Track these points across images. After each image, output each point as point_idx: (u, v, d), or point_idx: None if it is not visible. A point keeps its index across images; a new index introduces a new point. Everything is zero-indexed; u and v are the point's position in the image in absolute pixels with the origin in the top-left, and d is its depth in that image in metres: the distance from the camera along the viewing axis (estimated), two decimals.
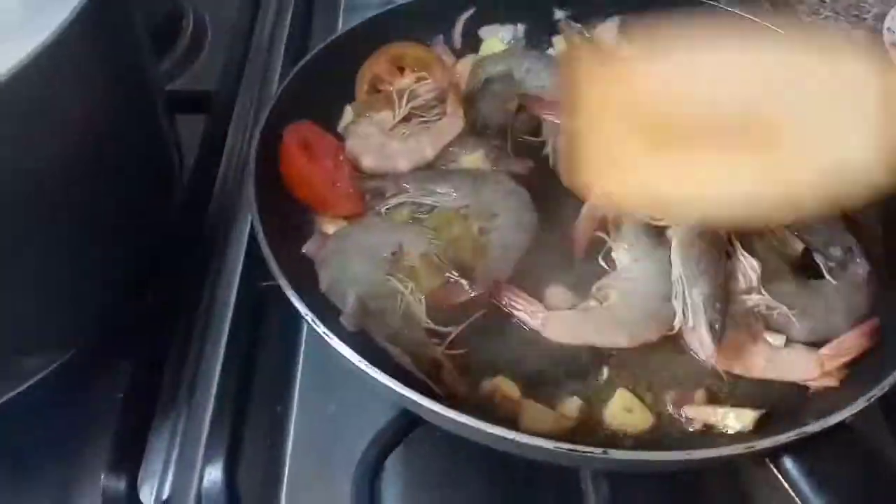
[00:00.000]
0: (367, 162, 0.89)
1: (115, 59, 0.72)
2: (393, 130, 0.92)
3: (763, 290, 0.74)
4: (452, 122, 0.91)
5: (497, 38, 1.06)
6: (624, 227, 0.77)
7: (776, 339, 0.73)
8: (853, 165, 0.52)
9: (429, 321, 0.71)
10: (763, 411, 0.68)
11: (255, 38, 1.19)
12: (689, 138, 0.56)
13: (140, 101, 0.79)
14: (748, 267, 0.74)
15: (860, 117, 0.53)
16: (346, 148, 0.89)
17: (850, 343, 0.72)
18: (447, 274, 0.75)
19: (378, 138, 0.90)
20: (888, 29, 1.18)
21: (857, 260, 0.77)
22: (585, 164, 0.62)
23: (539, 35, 1.07)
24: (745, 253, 0.75)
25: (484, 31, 1.07)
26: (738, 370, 0.71)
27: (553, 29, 1.07)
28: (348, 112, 0.95)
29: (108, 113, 0.70)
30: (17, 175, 0.58)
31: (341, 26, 1.29)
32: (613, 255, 0.79)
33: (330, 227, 0.84)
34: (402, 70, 0.99)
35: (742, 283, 0.74)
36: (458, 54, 1.05)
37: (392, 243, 0.77)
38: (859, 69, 0.54)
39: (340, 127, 0.94)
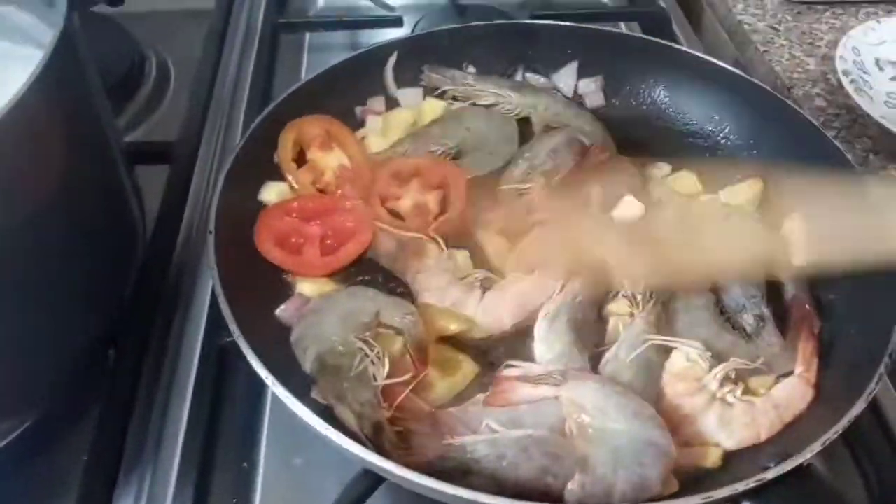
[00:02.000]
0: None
1: (74, 119, 0.72)
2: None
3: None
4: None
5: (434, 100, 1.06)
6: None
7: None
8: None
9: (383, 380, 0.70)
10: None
11: (217, 83, 1.19)
12: None
13: (99, 157, 0.79)
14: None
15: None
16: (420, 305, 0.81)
17: (807, 350, 0.76)
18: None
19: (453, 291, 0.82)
20: (840, 57, 1.20)
21: (769, 328, 0.80)
22: None
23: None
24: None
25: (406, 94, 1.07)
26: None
27: None
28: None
29: (65, 172, 0.69)
30: None
31: (305, 68, 1.30)
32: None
33: (306, 287, 0.84)
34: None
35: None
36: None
37: (371, 311, 0.76)
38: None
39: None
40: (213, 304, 0.88)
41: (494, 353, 0.79)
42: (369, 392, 0.68)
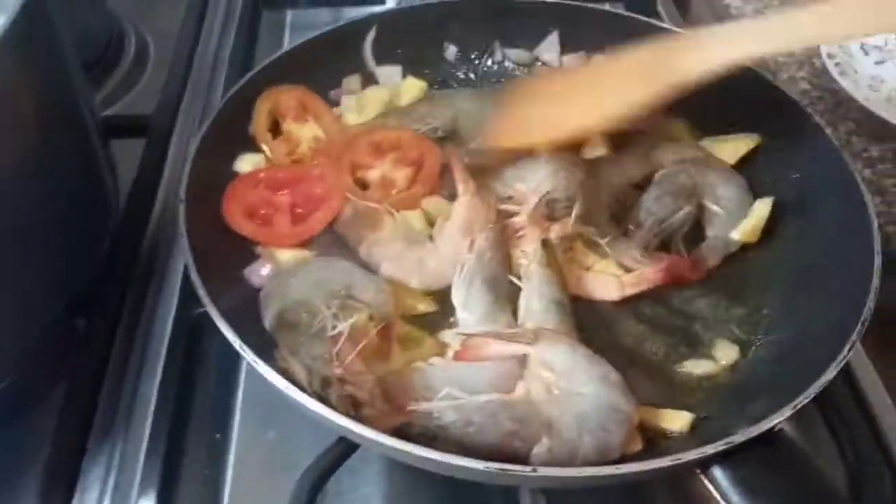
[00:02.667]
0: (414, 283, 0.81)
1: (44, 89, 0.71)
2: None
3: None
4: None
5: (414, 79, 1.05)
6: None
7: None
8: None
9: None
10: (701, 415, 0.70)
11: (196, 59, 1.18)
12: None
13: (72, 129, 0.78)
14: None
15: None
16: (383, 273, 0.81)
17: (649, 276, 0.82)
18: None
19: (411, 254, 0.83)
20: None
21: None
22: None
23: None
24: None
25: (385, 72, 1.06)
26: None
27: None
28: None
29: (35, 141, 0.69)
30: None
31: (287, 45, 1.29)
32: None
33: (283, 254, 0.83)
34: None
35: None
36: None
37: (343, 283, 0.76)
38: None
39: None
40: (187, 276, 0.87)
41: None
42: (322, 348, 0.67)
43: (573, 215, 0.82)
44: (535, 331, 0.68)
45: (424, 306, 0.79)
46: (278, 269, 0.80)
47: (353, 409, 0.63)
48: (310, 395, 0.62)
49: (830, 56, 1.19)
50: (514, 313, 0.76)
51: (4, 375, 0.74)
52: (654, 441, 0.69)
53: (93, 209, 0.83)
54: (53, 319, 0.77)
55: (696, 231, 0.89)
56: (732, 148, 0.95)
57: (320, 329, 0.69)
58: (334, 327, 0.69)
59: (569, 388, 0.64)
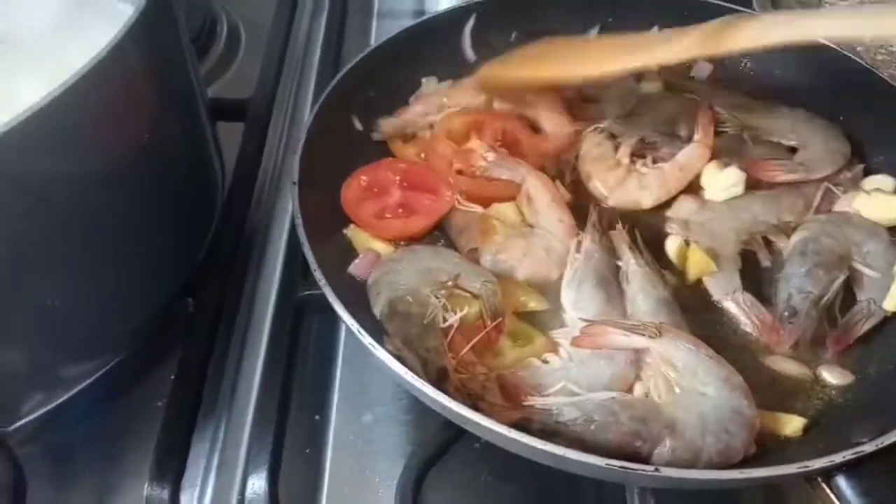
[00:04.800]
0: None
1: (165, 71, 0.72)
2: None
3: None
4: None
5: None
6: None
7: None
8: None
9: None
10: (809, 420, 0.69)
11: (290, 43, 1.20)
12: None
13: (186, 110, 0.80)
14: None
15: None
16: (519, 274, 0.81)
17: (704, 120, 0.92)
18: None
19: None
20: None
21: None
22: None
23: None
24: None
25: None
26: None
27: None
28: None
29: (155, 122, 0.70)
30: (73, 185, 0.59)
31: (374, 33, 1.30)
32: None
33: (378, 246, 0.84)
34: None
35: None
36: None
37: (450, 272, 0.76)
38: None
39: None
40: (287, 258, 0.88)
41: None
42: (436, 339, 0.68)
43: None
44: (659, 326, 0.67)
45: (535, 304, 0.78)
46: (384, 258, 0.80)
47: (468, 400, 0.63)
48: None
49: None
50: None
51: (119, 352, 0.76)
52: (764, 444, 0.67)
53: (203, 191, 0.84)
54: (165, 298, 0.79)
55: None
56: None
57: (433, 320, 0.70)
58: (445, 319, 0.70)
59: (691, 388, 0.63)
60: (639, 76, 1.04)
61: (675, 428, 0.61)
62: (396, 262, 0.78)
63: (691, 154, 0.91)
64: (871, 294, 0.78)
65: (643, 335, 0.66)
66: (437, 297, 0.72)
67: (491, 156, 0.87)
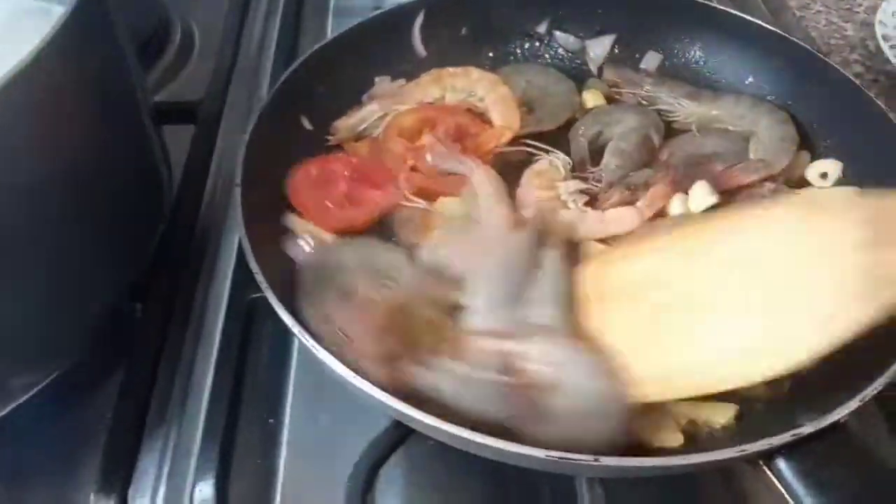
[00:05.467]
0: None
1: (102, 76, 0.71)
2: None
3: None
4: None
5: None
6: None
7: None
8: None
9: None
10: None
11: (242, 45, 1.19)
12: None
13: (128, 115, 0.79)
14: None
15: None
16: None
17: (658, 193, 0.86)
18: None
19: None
20: (880, 22, 1.17)
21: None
22: None
23: None
24: None
25: None
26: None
27: None
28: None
29: (93, 129, 0.69)
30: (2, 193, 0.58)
31: (330, 32, 1.29)
32: None
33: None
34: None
35: None
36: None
37: (385, 262, 0.77)
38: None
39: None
40: (239, 260, 0.87)
41: None
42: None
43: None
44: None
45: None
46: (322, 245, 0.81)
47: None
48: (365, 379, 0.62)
49: (886, 38, 1.16)
50: None
51: (65, 359, 0.75)
52: (694, 435, 0.68)
53: (148, 194, 0.83)
54: (112, 304, 0.78)
55: None
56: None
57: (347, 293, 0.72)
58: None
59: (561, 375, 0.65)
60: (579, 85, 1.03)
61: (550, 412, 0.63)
62: (332, 251, 0.80)
63: (625, 214, 0.87)
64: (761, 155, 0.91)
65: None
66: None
67: (437, 150, 0.87)
